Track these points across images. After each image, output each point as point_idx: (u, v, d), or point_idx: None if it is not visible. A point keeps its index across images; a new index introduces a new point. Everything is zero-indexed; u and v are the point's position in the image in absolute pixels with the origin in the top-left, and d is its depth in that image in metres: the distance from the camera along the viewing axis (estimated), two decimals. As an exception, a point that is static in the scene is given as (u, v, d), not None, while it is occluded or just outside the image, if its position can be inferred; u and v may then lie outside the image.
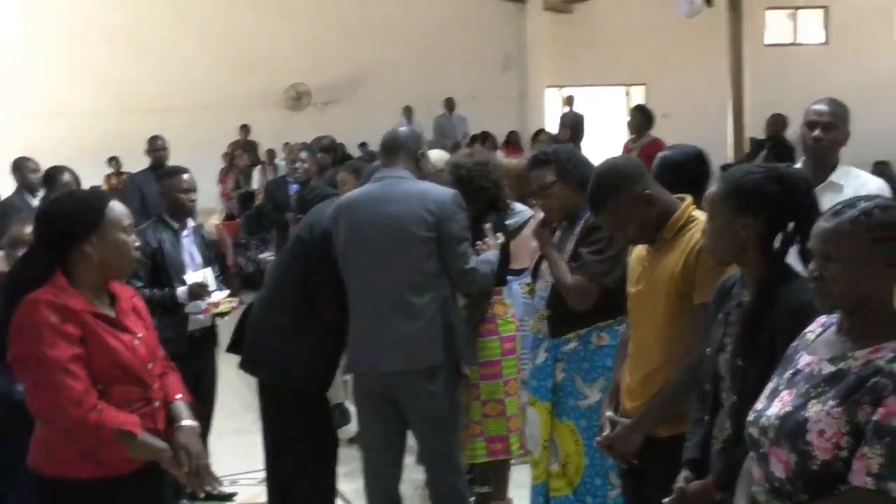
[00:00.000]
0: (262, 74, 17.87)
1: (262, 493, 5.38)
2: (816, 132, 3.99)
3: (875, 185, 3.98)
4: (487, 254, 4.04)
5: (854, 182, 3.97)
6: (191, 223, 5.35)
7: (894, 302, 2.16)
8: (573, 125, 16.27)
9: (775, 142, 10.71)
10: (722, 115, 16.61)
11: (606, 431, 3.22)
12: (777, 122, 10.81)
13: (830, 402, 2.09)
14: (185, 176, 5.26)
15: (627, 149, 9.04)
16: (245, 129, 16.87)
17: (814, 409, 2.11)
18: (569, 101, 17.35)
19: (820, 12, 22.50)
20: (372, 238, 3.88)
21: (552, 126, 19.64)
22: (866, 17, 22.13)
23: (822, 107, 4.06)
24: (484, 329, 4.56)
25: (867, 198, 2.19)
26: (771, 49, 21.05)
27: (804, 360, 2.24)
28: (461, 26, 19.16)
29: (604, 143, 17.73)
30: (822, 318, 2.32)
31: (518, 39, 19.97)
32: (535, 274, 3.95)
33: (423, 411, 3.93)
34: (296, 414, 4.17)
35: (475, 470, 4.85)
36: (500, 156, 15.19)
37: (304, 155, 7.27)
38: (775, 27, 21.68)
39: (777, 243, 2.60)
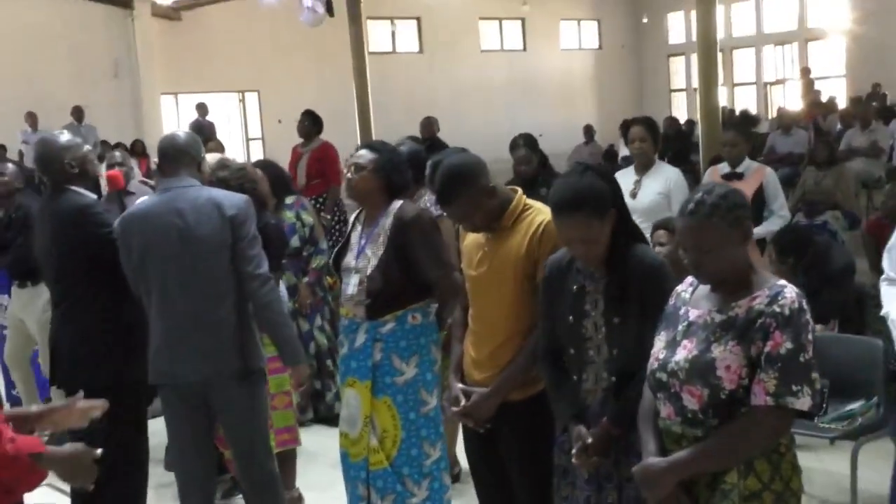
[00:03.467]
0: None
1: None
2: None
3: None
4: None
5: None
6: None
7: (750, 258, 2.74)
8: (203, 133, 16.16)
9: (431, 142, 11.50)
10: (333, 119, 17.43)
11: (463, 402, 3.55)
12: (432, 124, 11.62)
13: (730, 343, 2.60)
14: None
15: (298, 153, 9.26)
16: None
17: (718, 351, 2.60)
18: (201, 109, 17.19)
19: (414, 23, 24.07)
20: (169, 253, 3.89)
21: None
22: (455, 28, 24.08)
23: None
24: None
25: (706, 191, 2.68)
26: (374, 57, 22.24)
27: (693, 313, 2.73)
28: (66, 33, 18.34)
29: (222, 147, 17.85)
30: (688, 279, 2.86)
31: (128, 46, 19.49)
32: (338, 267, 4.18)
33: (238, 408, 4.02)
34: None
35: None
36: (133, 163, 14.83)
37: (10, 168, 6.78)
38: (377, 36, 22.89)
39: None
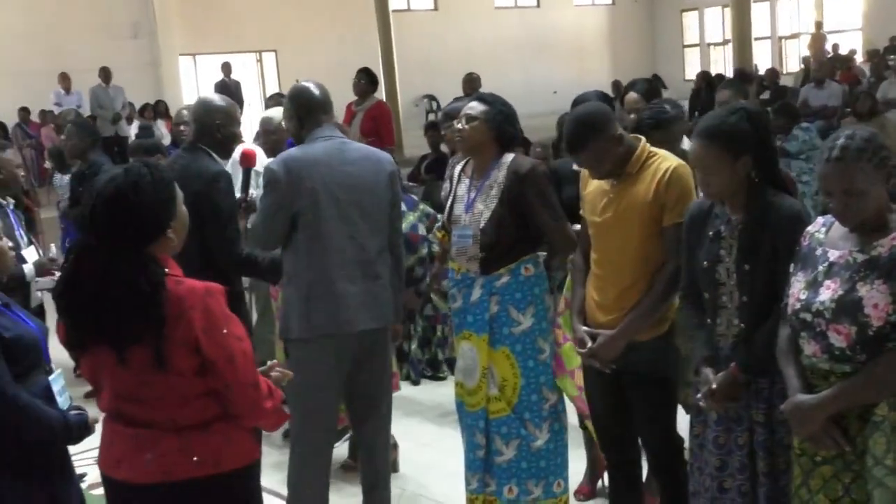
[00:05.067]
0: None
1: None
2: None
3: None
4: None
5: None
6: (10, 200, 5.04)
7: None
8: (233, 92, 16.19)
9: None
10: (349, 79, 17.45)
11: (589, 343, 3.68)
12: (474, 80, 11.64)
13: (877, 282, 2.69)
14: (11, 150, 4.95)
15: (351, 111, 9.29)
16: None
17: (864, 290, 2.70)
18: (226, 68, 17.17)
19: (428, -21, 24.01)
20: (342, 201, 3.91)
21: (190, 95, 19.40)
22: (470, -16, 24.00)
23: None
24: None
25: (848, 136, 2.74)
26: (392, 14, 22.21)
27: (834, 254, 2.81)
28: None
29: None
30: (820, 219, 2.94)
31: (146, 7, 19.43)
32: (450, 219, 4.26)
33: (383, 364, 4.15)
34: None
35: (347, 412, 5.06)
36: (160, 126, 14.89)
37: (73, 129, 6.87)
38: (393, -6, 22.84)
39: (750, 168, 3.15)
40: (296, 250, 3.95)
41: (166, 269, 2.54)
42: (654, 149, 3.64)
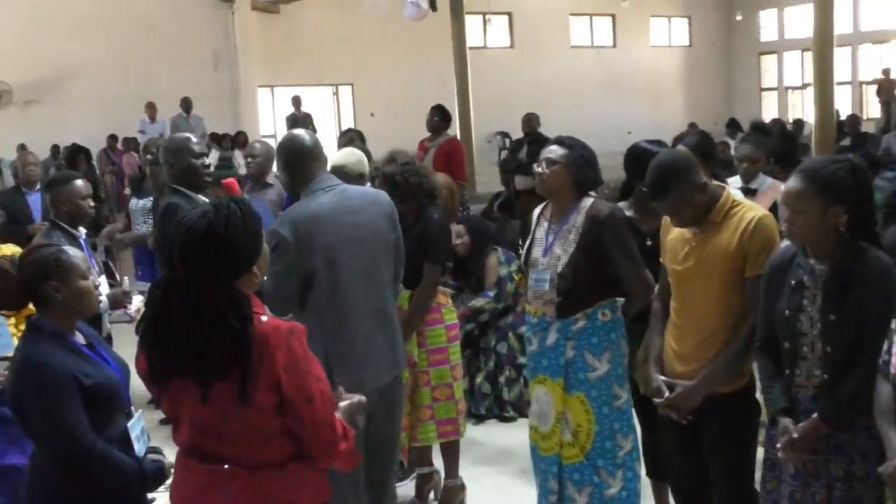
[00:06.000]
0: (-42, 71, 16.54)
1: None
2: None
3: None
4: None
5: None
6: (83, 230, 5.11)
7: None
8: (303, 124, 16.45)
9: (533, 137, 11.58)
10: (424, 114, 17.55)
11: (666, 393, 3.62)
12: (532, 120, 11.67)
13: None
14: (81, 182, 5.04)
15: (424, 147, 9.30)
16: (-57, 130, 15.50)
17: None
18: (296, 101, 17.46)
19: (505, 18, 24.14)
20: (354, 250, 3.82)
21: (267, 125, 19.77)
22: (546, 23, 24.08)
23: None
24: (429, 318, 4.80)
25: None
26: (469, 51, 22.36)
27: None
28: (169, 23, 18.75)
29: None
30: None
31: (227, 39, 19.82)
32: (527, 262, 4.25)
33: (398, 408, 4.13)
34: None
35: (414, 452, 5.06)
36: (237, 156, 15.12)
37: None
38: (470, 31, 22.95)
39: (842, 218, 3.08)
40: (312, 310, 3.80)
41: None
42: (738, 198, 3.60)
